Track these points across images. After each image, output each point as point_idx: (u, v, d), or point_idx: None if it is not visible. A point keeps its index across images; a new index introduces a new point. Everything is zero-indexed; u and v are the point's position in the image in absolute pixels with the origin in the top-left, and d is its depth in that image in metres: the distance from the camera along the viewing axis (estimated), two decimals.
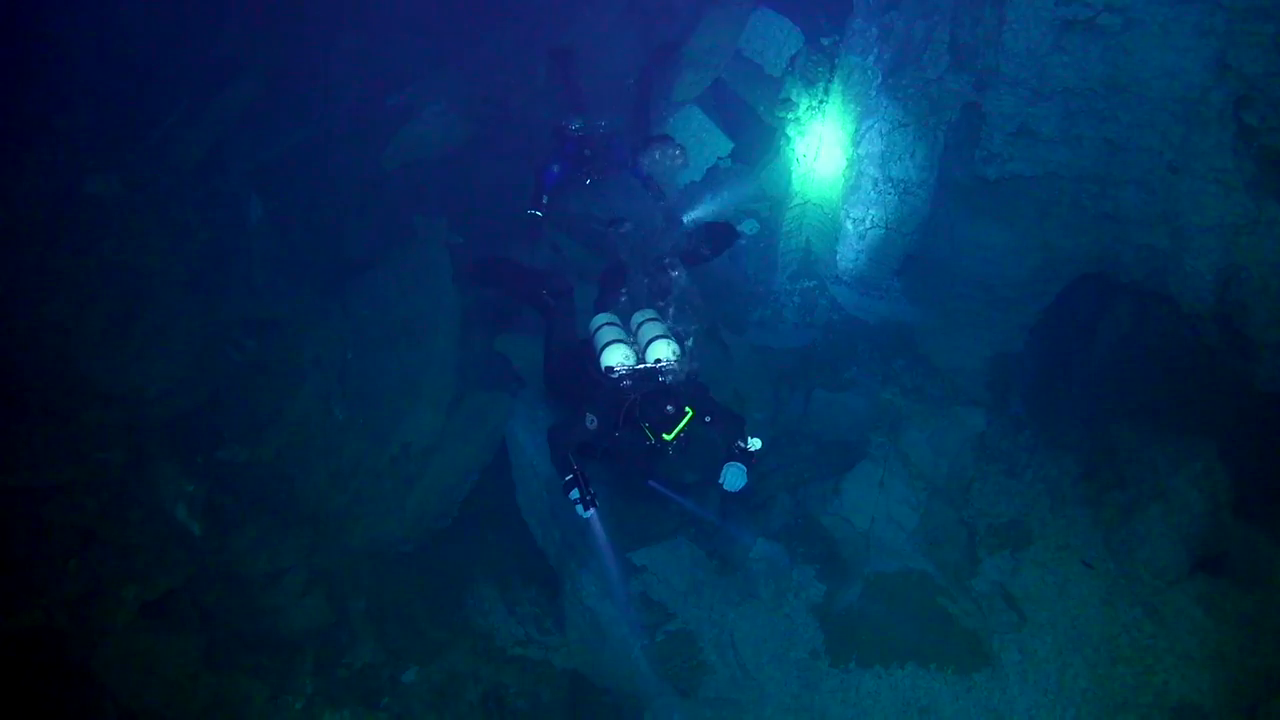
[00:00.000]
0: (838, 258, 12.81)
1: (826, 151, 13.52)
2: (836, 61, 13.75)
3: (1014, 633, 11.02)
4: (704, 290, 13.07)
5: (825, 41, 14.28)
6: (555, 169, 12.02)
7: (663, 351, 8.59)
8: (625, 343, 8.79)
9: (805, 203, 13.98)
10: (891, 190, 12.03)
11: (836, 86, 13.51)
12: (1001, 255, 12.15)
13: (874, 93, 12.25)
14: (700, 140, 14.40)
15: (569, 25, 15.12)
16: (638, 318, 9.25)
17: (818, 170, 13.73)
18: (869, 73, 12.58)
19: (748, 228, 14.31)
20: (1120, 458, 12.21)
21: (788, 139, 14.24)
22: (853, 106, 12.87)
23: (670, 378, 8.54)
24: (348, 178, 14.66)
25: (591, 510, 8.65)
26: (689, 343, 9.06)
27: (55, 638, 11.12)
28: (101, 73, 14.44)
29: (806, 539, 12.16)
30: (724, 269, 13.95)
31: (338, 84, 15.20)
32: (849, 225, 12.51)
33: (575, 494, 8.59)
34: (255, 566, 12.11)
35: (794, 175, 14.13)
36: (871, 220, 12.29)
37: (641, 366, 8.64)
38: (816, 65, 14.15)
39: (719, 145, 14.50)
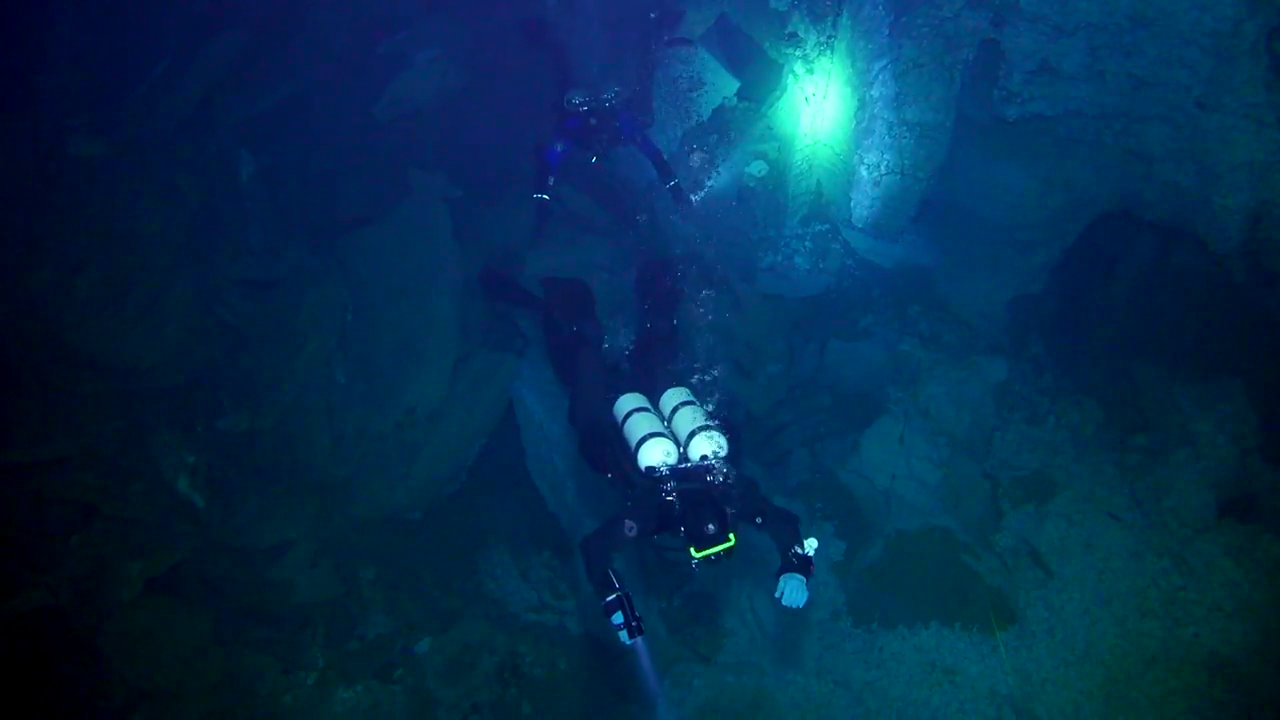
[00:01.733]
0: (852, 205, 12.53)
1: (837, 90, 13.18)
2: None
3: (1040, 589, 10.97)
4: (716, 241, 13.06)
5: None
6: (559, 148, 11.50)
7: (707, 447, 7.42)
8: (664, 435, 7.63)
9: (815, 143, 13.66)
10: (907, 134, 11.72)
11: (845, 21, 13.13)
12: (1021, 197, 11.94)
13: (886, 31, 11.90)
14: (705, 79, 14.09)
15: None
16: (670, 398, 8.06)
17: (828, 110, 13.40)
18: (880, 8, 12.22)
19: (755, 169, 14.02)
20: (1144, 399, 12.08)
21: (795, 76, 13.91)
22: (863, 44, 12.52)
23: (718, 477, 7.40)
24: (340, 131, 14.38)
25: (638, 638, 7.56)
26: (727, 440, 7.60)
27: (60, 617, 11.07)
28: (80, 26, 14.09)
29: (825, 495, 12.07)
30: (732, 213, 13.72)
31: (326, 32, 14.79)
32: (863, 171, 12.21)
33: (619, 618, 7.38)
34: (261, 538, 12.06)
35: (803, 114, 13.81)
36: (887, 166, 12.00)
37: (685, 465, 7.49)
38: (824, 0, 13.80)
39: (724, 84, 14.19)
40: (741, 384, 12.54)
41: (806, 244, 13.91)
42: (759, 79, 14.29)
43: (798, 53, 13.82)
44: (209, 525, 11.98)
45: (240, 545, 12.01)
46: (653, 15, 12.81)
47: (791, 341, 13.27)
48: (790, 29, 13.93)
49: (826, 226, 13.84)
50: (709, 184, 12.85)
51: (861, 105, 12.30)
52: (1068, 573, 10.97)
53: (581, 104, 11.04)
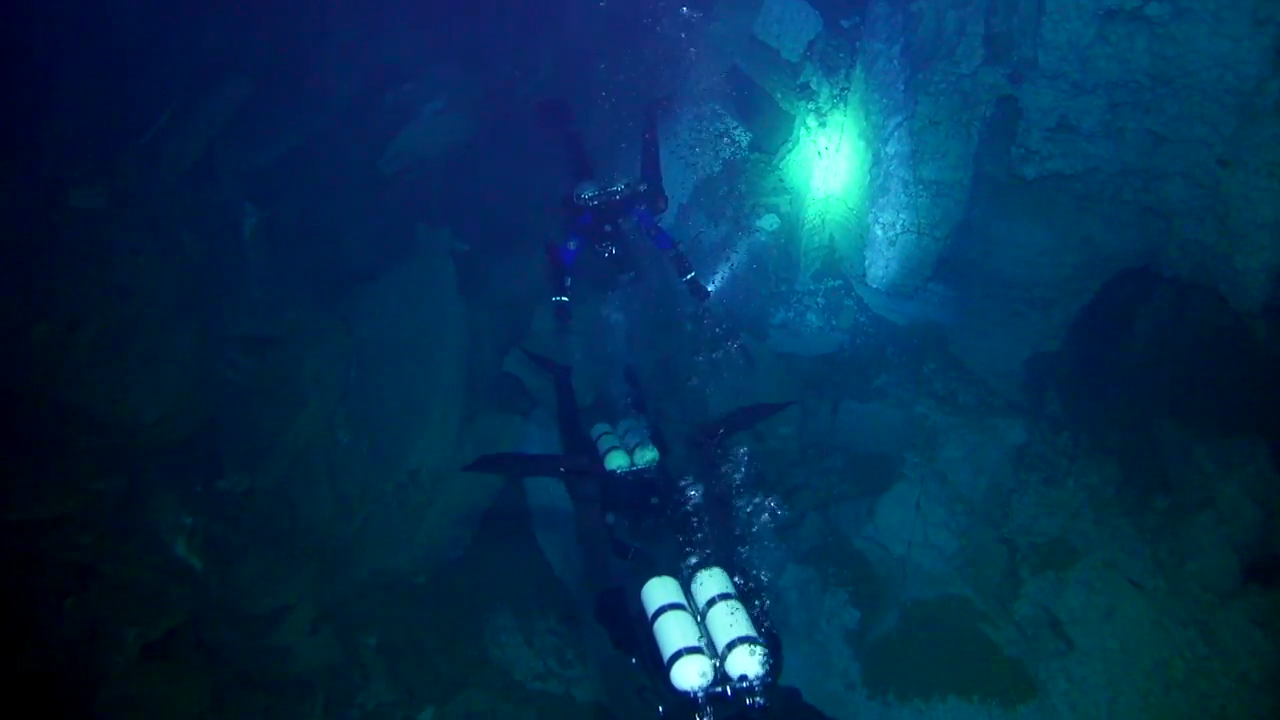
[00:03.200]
0: (866, 263, 12.47)
1: (850, 144, 13.17)
2: (857, 46, 13.38)
3: (1060, 660, 10.77)
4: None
5: (845, 24, 13.92)
6: (572, 246, 11.34)
7: (748, 665, 6.14)
8: (700, 652, 6.29)
9: (828, 197, 13.64)
10: (923, 192, 11.68)
11: (858, 74, 13.14)
12: (1039, 254, 11.85)
13: (901, 87, 11.88)
14: (717, 132, 14.09)
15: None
16: (707, 585, 6.76)
17: (841, 164, 13.38)
18: (894, 63, 12.20)
19: (767, 223, 14.00)
20: (1164, 458, 11.93)
21: (808, 129, 13.90)
22: (877, 98, 12.49)
23: (757, 700, 6.09)
24: (345, 183, 14.33)
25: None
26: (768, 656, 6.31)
27: (53, 682, 10.93)
28: (84, 75, 14.10)
29: (838, 560, 11.91)
30: (745, 268, 13.68)
31: (331, 81, 14.81)
32: (878, 230, 12.16)
33: None
34: (260, 602, 11.92)
35: (816, 167, 13.79)
36: (902, 224, 11.94)
37: (723, 691, 6.23)
38: (836, 50, 13.80)
39: (736, 137, 14.17)
40: (753, 445, 12.43)
41: (819, 300, 13.85)
42: (771, 130, 14.28)
43: (810, 105, 13.82)
44: (207, 588, 11.84)
45: (239, 610, 11.86)
46: (661, 98, 12.75)
47: (804, 400, 13.17)
48: (803, 79, 13.95)
49: (839, 282, 13.77)
50: (723, 273, 12.76)
51: (876, 161, 12.26)
52: (1089, 643, 10.78)
53: (592, 198, 10.96)
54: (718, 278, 13.06)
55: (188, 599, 11.67)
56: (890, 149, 11.95)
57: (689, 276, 11.19)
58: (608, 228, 11.06)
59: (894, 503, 11.62)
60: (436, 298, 12.96)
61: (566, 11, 14.98)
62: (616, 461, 8.81)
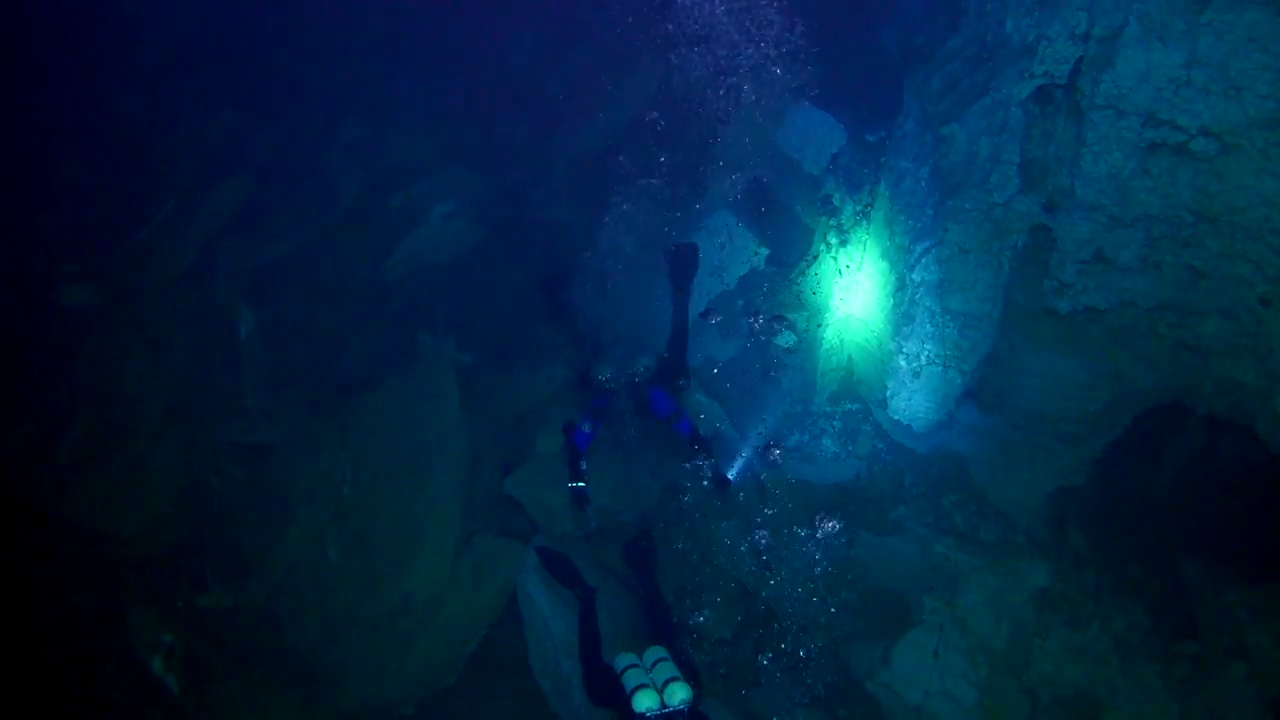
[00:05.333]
0: (888, 394, 12.29)
1: (873, 264, 13.05)
2: (882, 162, 13.33)
3: None
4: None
5: (871, 138, 13.90)
6: (587, 429, 11.47)
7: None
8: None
9: (848, 317, 13.50)
10: (951, 323, 11.51)
11: (883, 192, 13.06)
12: (1068, 388, 11.63)
13: (930, 212, 11.78)
14: (733, 247, 14.00)
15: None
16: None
17: (862, 283, 13.26)
18: (921, 184, 12.10)
19: (784, 341, 13.83)
20: (1192, 601, 11.66)
21: (829, 245, 13.81)
22: (902, 218, 12.38)
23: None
24: (346, 288, 14.19)
25: None
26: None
27: None
28: (80, 165, 14.10)
29: (850, 704, 11.60)
30: (758, 386, 13.51)
31: (336, 181, 14.78)
32: (901, 361, 11.99)
33: None
34: None
35: (836, 285, 13.68)
36: (928, 356, 11.79)
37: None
38: (861, 166, 13.76)
39: (753, 252, 14.10)
40: (763, 580, 12.18)
41: (835, 424, 13.62)
42: (790, 243, 14.20)
43: (832, 221, 13.75)
44: (184, 712, 11.47)
45: None
46: (673, 247, 12.73)
47: (817, 532, 12.93)
48: (824, 193, 13.90)
49: (857, 406, 13.55)
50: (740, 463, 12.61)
51: (901, 287, 12.11)
52: None
53: (608, 381, 10.88)
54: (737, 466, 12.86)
55: None
56: (917, 276, 11.81)
57: (710, 464, 11.34)
58: (623, 406, 11.04)
59: (911, 648, 11.30)
60: (437, 412, 12.75)
61: (583, 113, 15.01)
62: (645, 703, 9.11)
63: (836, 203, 13.80)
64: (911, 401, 12.05)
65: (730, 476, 12.15)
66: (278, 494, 12.63)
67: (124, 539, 12.06)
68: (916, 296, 11.79)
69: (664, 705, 9.26)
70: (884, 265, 12.75)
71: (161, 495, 12.30)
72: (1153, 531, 12.36)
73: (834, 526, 11.77)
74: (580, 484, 11.57)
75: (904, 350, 11.97)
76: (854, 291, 13.42)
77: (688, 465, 11.82)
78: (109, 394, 12.42)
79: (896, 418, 12.26)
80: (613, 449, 12.39)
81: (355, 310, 14.15)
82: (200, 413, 12.89)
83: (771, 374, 13.72)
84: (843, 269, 13.54)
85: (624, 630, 11.37)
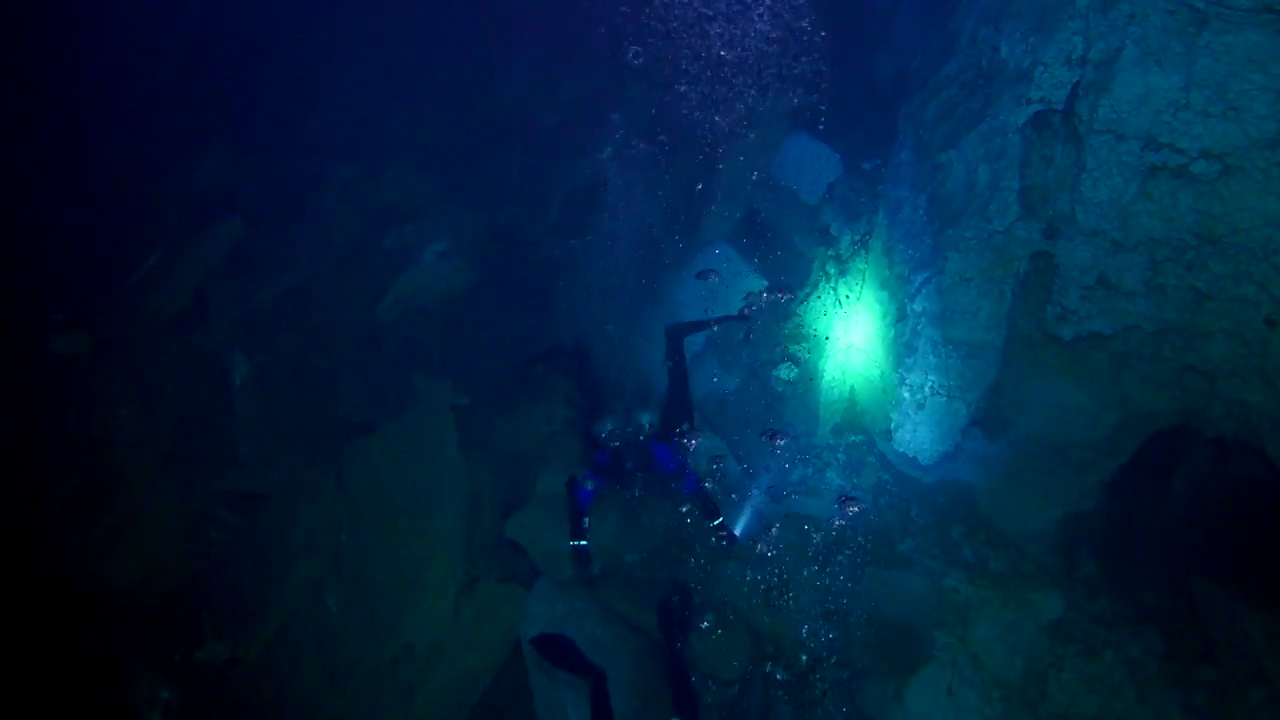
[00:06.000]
0: (893, 425, 12.21)
1: (872, 293, 12.99)
2: (880, 191, 13.29)
3: None
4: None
5: (867, 166, 13.87)
6: (589, 486, 11.40)
7: None
8: None
9: (849, 347, 13.42)
10: (954, 353, 11.44)
11: (881, 221, 13.02)
12: (1074, 414, 11.54)
13: (929, 241, 11.72)
14: (731, 280, 13.94)
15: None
16: None
17: (863, 313, 13.20)
18: (920, 212, 12.05)
19: (784, 372, 13.76)
20: (1207, 625, 11.56)
21: (828, 275, 13.75)
22: (901, 247, 12.32)
23: None
24: (341, 330, 14.12)
25: None
26: None
27: None
28: (70, 211, 14.06)
29: None
30: (761, 418, 13.43)
31: (328, 222, 14.73)
32: (905, 393, 11.90)
33: None
34: None
35: (836, 316, 13.61)
36: (932, 387, 11.71)
37: None
38: (858, 195, 13.72)
39: (751, 285, 14.03)
40: (769, 619, 12.07)
41: (839, 456, 13.53)
42: (788, 273, 14.15)
43: (830, 251, 13.69)
44: None
45: None
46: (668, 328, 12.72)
47: (824, 567, 12.82)
48: (822, 222, 13.85)
49: (861, 437, 13.45)
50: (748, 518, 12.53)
51: (902, 317, 12.04)
52: None
53: (610, 437, 10.81)
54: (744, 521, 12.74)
55: None
56: (918, 306, 11.75)
57: (716, 523, 11.30)
58: (629, 466, 10.95)
59: (925, 686, 11.18)
60: (435, 455, 12.66)
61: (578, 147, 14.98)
62: None
63: (834, 232, 13.75)
64: (917, 433, 11.96)
65: (738, 534, 12.01)
66: (275, 543, 12.51)
67: (119, 592, 11.94)
68: (918, 327, 11.72)
69: None
70: (884, 295, 12.68)
71: (156, 546, 12.19)
72: (1165, 556, 12.27)
73: (855, 510, 11.60)
74: (582, 542, 11.44)
75: (907, 381, 11.89)
76: (855, 321, 13.36)
77: (687, 516, 11.72)
78: (101, 444, 12.34)
79: (902, 450, 12.16)
80: (615, 505, 12.26)
81: (350, 353, 14.08)
82: (195, 461, 12.80)
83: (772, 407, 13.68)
84: (842, 299, 13.47)
85: (629, 678, 11.27)
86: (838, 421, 13.61)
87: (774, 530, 11.89)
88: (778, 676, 11.76)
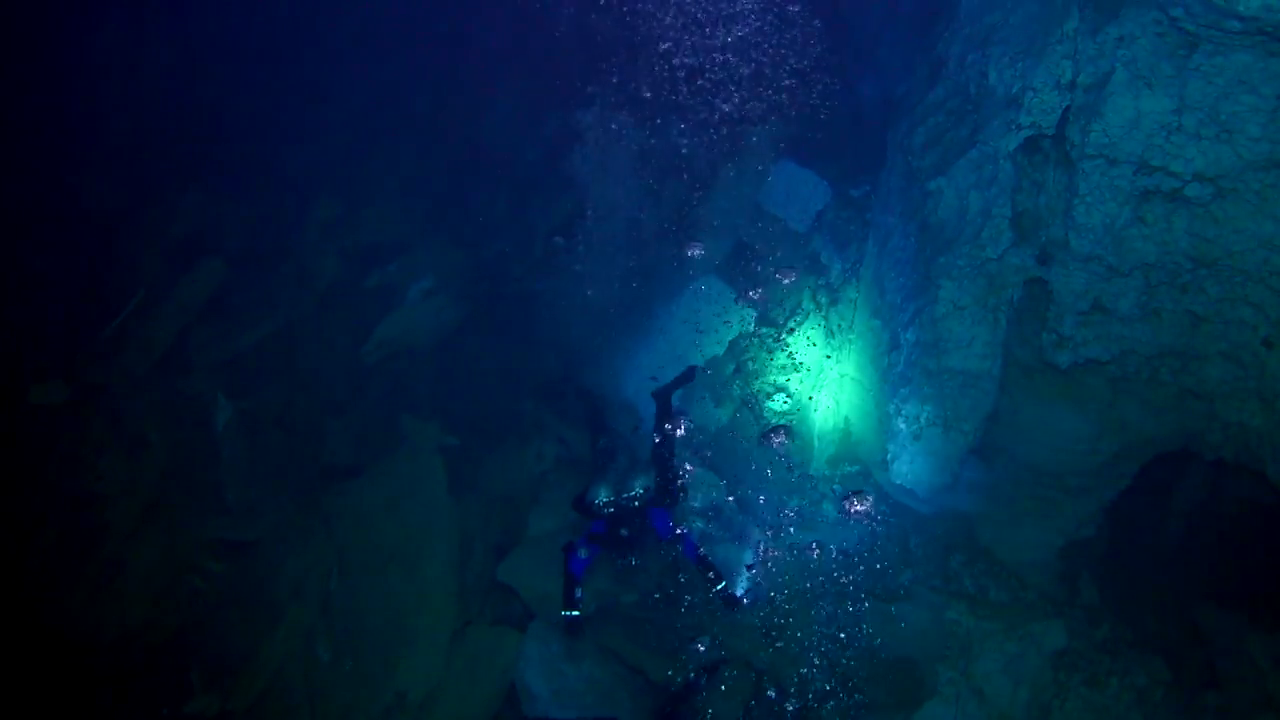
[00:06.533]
0: (889, 457, 12.12)
1: (864, 322, 12.92)
2: (869, 218, 13.24)
3: None
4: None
5: (855, 193, 13.83)
6: (584, 554, 11.24)
7: None
8: None
9: (842, 377, 13.35)
10: (949, 383, 11.34)
11: (871, 249, 12.96)
12: (1072, 441, 11.46)
13: (921, 269, 11.65)
14: (720, 313, 13.89)
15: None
16: None
17: (855, 343, 13.13)
18: (910, 240, 11.99)
19: (777, 405, 13.69)
20: (1211, 649, 11.51)
21: (818, 305, 13.69)
22: (892, 275, 12.27)
23: None
24: (325, 373, 14.05)
25: None
26: None
27: None
28: (46, 257, 13.94)
29: None
30: (753, 453, 13.33)
31: (311, 262, 14.64)
32: (901, 424, 11.82)
33: None
34: None
35: (828, 346, 13.54)
36: (927, 418, 11.63)
37: None
38: (847, 223, 13.66)
39: (741, 318, 13.98)
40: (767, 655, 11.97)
41: (835, 487, 13.44)
42: (779, 303, 14.09)
43: (821, 280, 13.64)
44: None
45: None
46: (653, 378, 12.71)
47: (822, 600, 12.72)
48: (811, 250, 13.81)
49: (857, 468, 13.37)
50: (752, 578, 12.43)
51: (895, 346, 11.97)
52: None
53: (605, 505, 10.73)
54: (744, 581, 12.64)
55: None
56: (911, 335, 11.67)
57: (718, 588, 11.12)
58: (624, 532, 10.85)
59: None
60: (424, 498, 12.55)
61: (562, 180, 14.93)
62: None
63: (825, 261, 13.69)
64: (914, 465, 11.85)
65: (740, 595, 11.89)
66: (263, 591, 12.40)
67: (103, 647, 11.80)
68: (913, 357, 11.63)
69: None
70: (876, 324, 12.61)
71: (141, 598, 12.07)
72: (1167, 581, 12.27)
73: (863, 508, 11.48)
74: (574, 613, 11.28)
75: (903, 412, 11.80)
76: (847, 351, 13.29)
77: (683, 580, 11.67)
78: (82, 495, 12.22)
79: (899, 482, 12.06)
80: (610, 573, 12.18)
81: (335, 395, 14.00)
82: (179, 509, 12.69)
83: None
84: (834, 329, 13.41)
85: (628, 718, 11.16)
86: (832, 452, 13.53)
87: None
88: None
